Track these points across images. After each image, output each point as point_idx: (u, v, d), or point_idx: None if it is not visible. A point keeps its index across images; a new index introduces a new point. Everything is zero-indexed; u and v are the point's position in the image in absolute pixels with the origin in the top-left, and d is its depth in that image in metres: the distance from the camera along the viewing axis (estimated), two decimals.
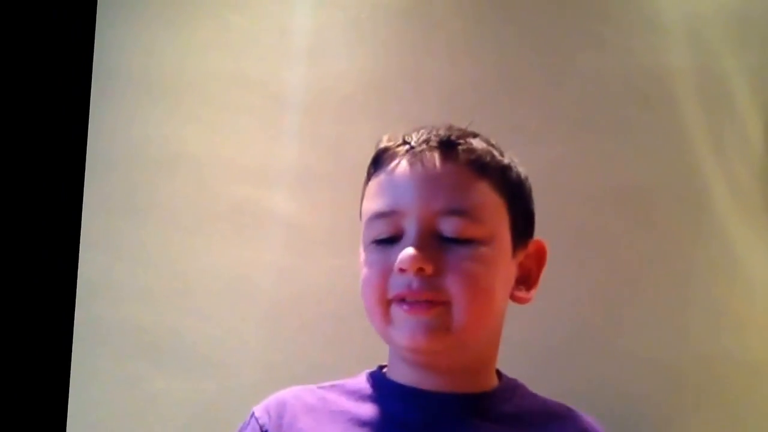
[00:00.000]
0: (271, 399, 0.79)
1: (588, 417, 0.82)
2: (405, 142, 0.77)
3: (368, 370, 0.82)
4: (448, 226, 0.72)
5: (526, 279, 0.80)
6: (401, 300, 0.72)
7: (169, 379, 1.12)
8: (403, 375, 0.78)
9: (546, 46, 1.14)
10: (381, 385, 0.79)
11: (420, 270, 0.71)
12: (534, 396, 0.82)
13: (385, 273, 0.73)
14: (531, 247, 0.80)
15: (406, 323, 0.72)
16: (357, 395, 0.78)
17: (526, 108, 1.13)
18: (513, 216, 0.77)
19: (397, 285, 0.72)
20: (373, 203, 0.76)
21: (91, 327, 1.13)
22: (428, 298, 0.71)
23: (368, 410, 0.75)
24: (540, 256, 0.81)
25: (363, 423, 0.74)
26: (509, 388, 0.81)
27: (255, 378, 1.11)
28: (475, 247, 0.73)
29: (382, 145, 0.80)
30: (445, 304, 0.71)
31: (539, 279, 0.81)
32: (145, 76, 1.15)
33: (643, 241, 1.13)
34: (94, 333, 1.13)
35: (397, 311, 0.72)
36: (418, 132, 0.78)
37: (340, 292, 1.12)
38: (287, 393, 0.80)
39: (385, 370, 0.82)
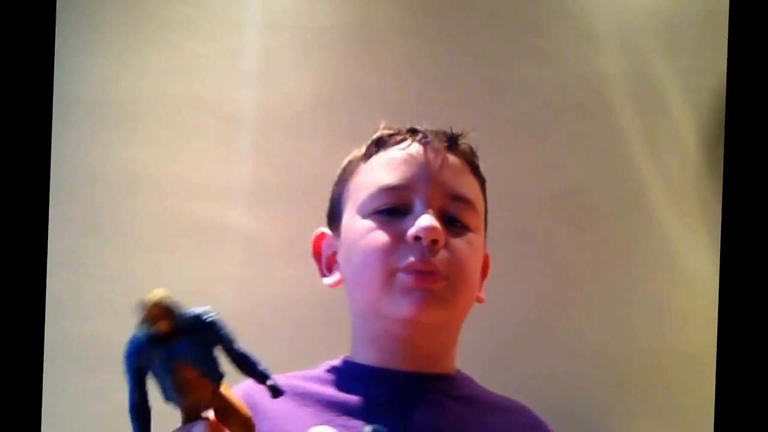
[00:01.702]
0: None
1: (538, 415, 0.85)
2: (414, 130, 0.82)
3: (327, 364, 0.82)
4: (454, 210, 0.77)
5: None
6: (408, 270, 0.73)
7: None
8: (369, 357, 0.79)
9: (485, 59, 1.20)
10: (346, 369, 0.80)
11: (434, 241, 0.73)
12: (486, 390, 0.84)
13: (393, 242, 0.74)
14: (483, 258, 0.85)
15: (411, 293, 0.73)
16: (321, 380, 0.79)
17: (468, 118, 1.16)
18: (486, 224, 0.84)
19: (409, 253, 0.73)
20: (381, 176, 0.78)
21: (61, 343, 1.18)
22: (437, 269, 0.73)
23: (335, 392, 0.76)
24: (486, 267, 0.86)
25: (332, 404, 0.74)
26: (466, 376, 0.84)
27: None
28: (470, 235, 0.78)
29: (385, 130, 0.83)
30: (446, 280, 0.74)
31: (482, 287, 0.86)
32: (104, 102, 1.20)
33: (585, 242, 1.19)
34: (64, 349, 1.18)
35: (404, 280, 0.73)
36: (419, 127, 0.83)
37: (298, 301, 1.17)
38: (244, 386, 0.75)
39: (345, 358, 0.82)
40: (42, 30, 1.18)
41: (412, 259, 0.73)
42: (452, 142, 0.81)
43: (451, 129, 0.82)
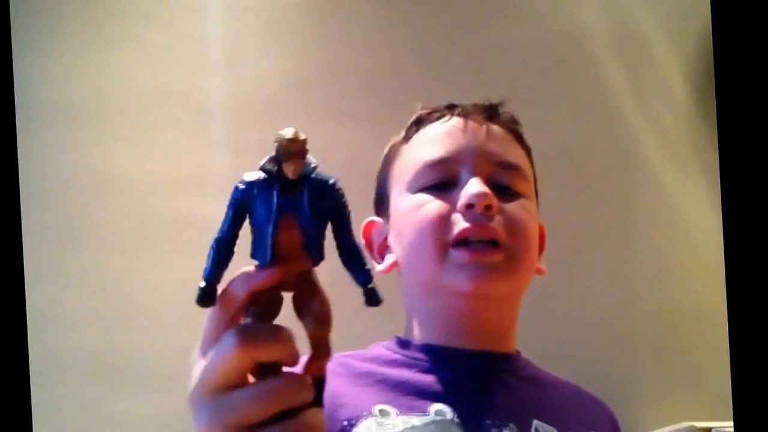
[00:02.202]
0: None
1: (599, 398, 0.82)
2: (452, 106, 0.79)
3: (382, 342, 0.79)
4: (504, 177, 0.74)
5: None
6: (462, 243, 0.71)
7: (129, 399, 1.13)
8: (430, 336, 0.76)
9: (459, 23, 1.15)
10: (405, 349, 0.76)
11: (488, 207, 0.70)
12: (545, 370, 0.81)
13: (445, 215, 0.72)
14: (539, 228, 0.81)
15: (468, 268, 0.70)
16: (379, 360, 0.75)
17: (447, 85, 1.14)
18: (536, 191, 0.81)
19: (462, 223, 0.71)
20: (424, 152, 0.77)
21: (47, 357, 1.13)
22: (493, 236, 0.71)
23: (397, 372, 0.72)
24: (543, 238, 0.82)
25: (395, 384, 0.71)
26: (526, 359, 0.80)
27: None
28: (523, 200, 0.75)
29: (423, 110, 0.81)
30: (505, 250, 0.71)
31: (541, 258, 0.82)
32: (68, 103, 1.15)
33: (581, 204, 1.14)
34: (50, 363, 1.13)
35: (458, 256, 0.71)
36: (457, 103, 0.80)
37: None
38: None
39: (399, 337, 0.79)
40: None
41: (464, 226, 0.70)
42: (493, 112, 0.79)
43: (490, 100, 0.79)
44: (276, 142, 0.40)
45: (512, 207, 0.73)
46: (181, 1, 1.16)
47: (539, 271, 0.80)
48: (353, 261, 0.43)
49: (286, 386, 0.41)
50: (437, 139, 0.77)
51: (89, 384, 1.14)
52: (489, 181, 0.73)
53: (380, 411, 0.67)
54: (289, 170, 0.40)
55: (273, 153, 0.41)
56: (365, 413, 0.66)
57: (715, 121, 1.12)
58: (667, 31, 1.15)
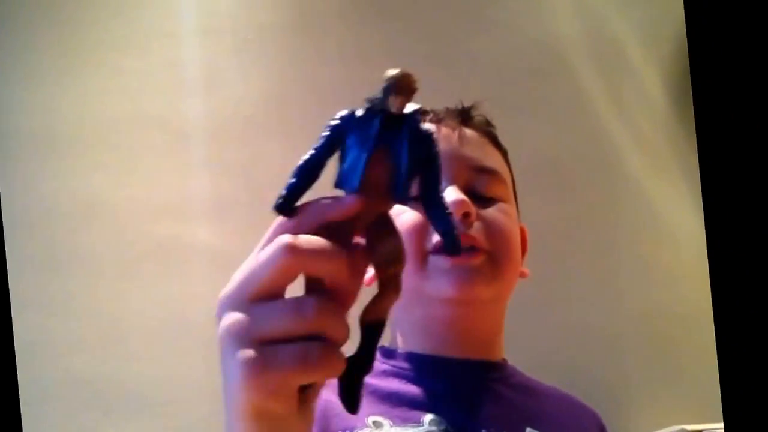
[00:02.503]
0: None
1: (585, 403, 0.82)
2: (424, 112, 0.77)
3: None
4: (481, 183, 0.74)
5: None
6: (441, 250, 0.70)
7: (119, 425, 1.13)
8: (419, 344, 0.75)
9: (434, 37, 1.16)
10: (392, 357, 0.75)
11: (466, 215, 0.70)
12: (532, 377, 0.81)
13: (421, 224, 0.71)
14: (520, 230, 0.81)
15: (451, 272, 0.69)
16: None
17: (425, 98, 1.13)
18: (515, 193, 0.80)
19: None
20: None
21: (36, 386, 1.14)
22: (473, 244, 0.70)
23: (386, 383, 0.71)
24: (525, 240, 0.81)
25: (385, 396, 0.69)
26: (513, 366, 0.80)
27: (204, 411, 1.11)
28: (502, 205, 0.74)
29: None
30: (487, 254, 0.71)
31: (524, 261, 0.82)
32: (47, 131, 1.16)
33: (563, 211, 1.15)
34: (40, 392, 1.14)
35: (439, 262, 0.70)
36: (429, 108, 0.79)
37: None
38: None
39: (384, 346, 0.78)
40: None
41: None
42: (466, 115, 0.78)
43: (462, 103, 0.79)
44: (386, 77, 0.39)
45: (491, 212, 0.73)
46: (156, 26, 1.16)
47: (522, 275, 0.79)
48: (437, 211, 0.42)
49: (322, 311, 0.38)
50: None
51: (80, 412, 1.14)
52: (466, 187, 0.72)
53: (374, 422, 0.66)
54: (395, 103, 0.39)
55: (385, 85, 0.39)
56: (359, 425, 0.64)
57: (694, 124, 1.13)
58: (642, 36, 1.16)
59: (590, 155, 1.16)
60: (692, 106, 1.13)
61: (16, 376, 1.15)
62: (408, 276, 0.65)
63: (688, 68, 1.13)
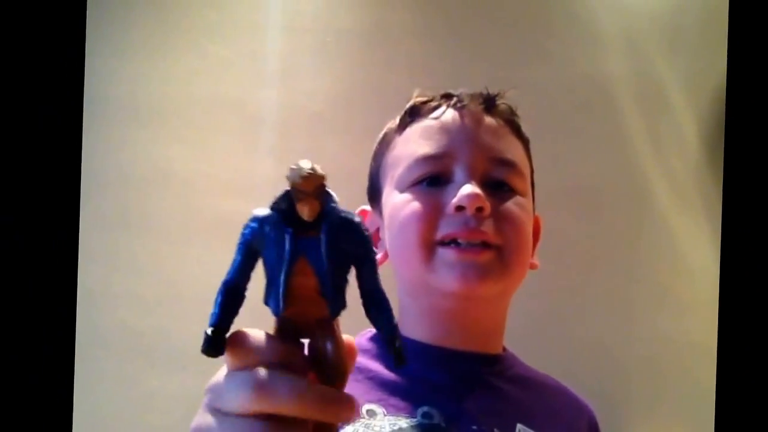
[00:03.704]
0: None
1: (577, 395, 0.84)
2: (448, 95, 0.78)
3: (369, 331, 0.75)
4: (498, 173, 0.72)
5: None
6: (451, 242, 0.69)
7: (163, 377, 1.22)
8: (419, 334, 0.74)
9: (495, 60, 1.25)
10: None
11: (479, 210, 0.68)
12: (528, 366, 0.81)
13: (433, 213, 0.70)
14: (534, 220, 0.80)
15: (456, 266, 0.68)
16: (369, 353, 0.71)
17: None
18: (533, 185, 0.80)
19: (451, 224, 0.69)
20: (417, 147, 0.74)
21: (92, 332, 1.23)
22: (484, 239, 0.69)
23: (386, 370, 0.69)
24: (538, 231, 0.81)
25: (384, 383, 0.68)
26: (512, 355, 0.81)
27: None
28: (518, 198, 0.73)
29: (418, 98, 0.79)
30: (497, 249, 0.70)
31: (536, 251, 0.81)
32: (133, 103, 1.25)
33: (591, 237, 1.24)
34: (95, 338, 1.23)
35: (446, 254, 0.69)
36: (454, 91, 0.78)
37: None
38: None
39: None
40: (73, 32, 1.23)
41: (453, 229, 0.69)
42: (490, 103, 0.77)
43: (488, 89, 0.78)
44: (289, 178, 0.35)
45: (506, 205, 0.72)
46: (244, 18, 1.26)
47: (532, 266, 0.78)
48: (377, 310, 0.38)
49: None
50: (430, 134, 0.74)
51: (128, 360, 1.24)
52: (483, 177, 0.71)
53: (368, 411, 0.65)
54: (304, 212, 0.35)
55: (290, 186, 0.35)
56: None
57: (722, 171, 1.23)
58: (685, 84, 1.25)
59: (622, 186, 1.25)
60: (723, 154, 1.23)
61: (75, 320, 1.25)
62: (414, 266, 0.71)
63: (724, 118, 1.24)
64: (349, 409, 0.36)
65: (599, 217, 1.25)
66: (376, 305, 0.38)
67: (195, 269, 1.24)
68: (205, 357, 0.38)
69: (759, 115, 1.21)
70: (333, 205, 0.36)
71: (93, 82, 1.25)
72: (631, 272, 1.24)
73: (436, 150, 0.73)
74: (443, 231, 0.69)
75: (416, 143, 0.75)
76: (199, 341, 0.38)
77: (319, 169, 0.35)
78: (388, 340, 0.38)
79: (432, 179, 0.72)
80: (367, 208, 0.82)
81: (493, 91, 0.78)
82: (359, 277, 0.38)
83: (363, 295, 0.38)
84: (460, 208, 0.69)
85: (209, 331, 0.37)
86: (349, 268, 0.37)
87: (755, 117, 1.21)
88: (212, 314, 0.38)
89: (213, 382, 0.40)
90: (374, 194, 0.81)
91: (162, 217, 1.24)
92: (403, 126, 0.79)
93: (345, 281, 0.37)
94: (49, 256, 1.23)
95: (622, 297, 1.23)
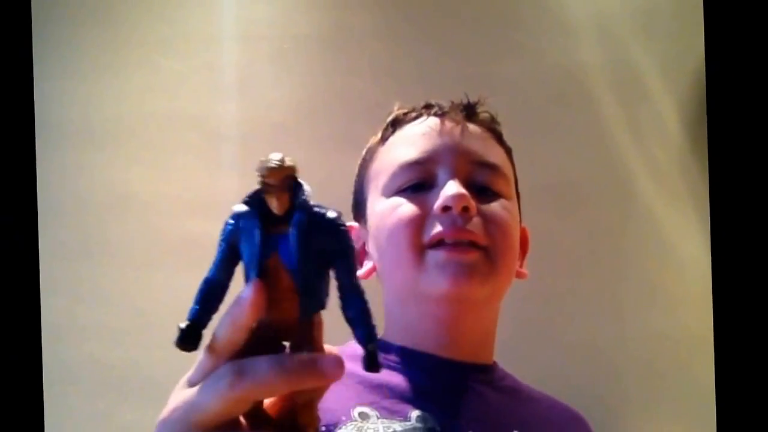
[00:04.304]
0: None
1: (578, 412, 0.83)
2: (429, 105, 0.79)
3: None
4: (482, 177, 0.73)
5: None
6: (439, 243, 0.69)
7: (137, 411, 1.17)
8: (411, 340, 0.74)
9: (463, 58, 1.20)
10: (386, 350, 0.73)
11: (465, 209, 0.69)
12: (524, 383, 0.82)
13: (420, 216, 0.70)
14: (521, 230, 0.81)
15: (446, 267, 0.68)
16: (358, 359, 0.73)
17: None
18: (517, 193, 0.80)
19: (438, 225, 0.69)
20: (400, 153, 0.75)
21: (59, 368, 1.18)
22: (471, 239, 0.69)
23: (378, 374, 0.65)
24: (525, 241, 0.82)
25: (376, 386, 0.68)
26: (501, 368, 0.80)
27: None
28: (504, 201, 0.74)
29: (400, 110, 0.80)
30: (485, 250, 0.70)
31: (524, 262, 0.83)
32: (86, 125, 1.20)
33: (575, 231, 1.19)
34: (63, 374, 1.18)
35: (436, 255, 0.69)
36: (434, 101, 0.80)
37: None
38: None
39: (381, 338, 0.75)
40: (19, 56, 1.18)
41: (440, 229, 0.69)
42: (470, 111, 0.78)
43: (468, 97, 0.79)
44: (257, 170, 0.34)
45: (491, 207, 0.72)
46: (197, 29, 1.21)
47: (520, 275, 0.79)
48: (354, 312, 0.36)
49: None
50: (413, 140, 0.75)
51: (100, 395, 1.18)
52: (467, 181, 0.72)
53: (360, 414, 0.65)
54: (273, 204, 0.34)
55: (259, 180, 0.35)
56: (344, 418, 0.63)
57: (707, 157, 1.18)
58: (662, 68, 1.20)
59: (604, 180, 1.20)
60: (706, 138, 1.18)
61: (41, 357, 1.20)
62: (404, 271, 0.71)
63: (705, 102, 1.18)
64: (334, 364, 0.36)
65: (581, 213, 1.19)
66: (352, 304, 0.36)
67: (162, 294, 1.19)
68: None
69: (741, 97, 1.15)
70: (304, 198, 0.35)
71: (43, 106, 1.20)
72: (618, 269, 1.18)
73: (419, 156, 0.73)
74: (431, 232, 0.69)
75: (399, 151, 0.76)
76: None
77: (289, 161, 0.34)
78: (364, 341, 0.36)
79: (416, 185, 0.73)
80: (353, 223, 0.82)
81: (473, 99, 0.79)
82: (336, 276, 0.36)
83: (340, 294, 0.36)
84: (446, 209, 0.69)
85: (183, 324, 0.36)
86: (327, 264, 0.36)
87: (737, 99, 1.16)
88: (191, 309, 0.37)
89: (174, 407, 0.38)
90: (359, 208, 0.82)
91: (124, 242, 1.19)
92: (385, 138, 0.80)
93: (321, 279, 0.35)
94: (10, 291, 1.18)
95: (611, 296, 1.18)
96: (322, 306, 0.36)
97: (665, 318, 1.17)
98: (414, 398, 0.68)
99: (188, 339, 0.36)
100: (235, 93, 1.20)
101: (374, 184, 0.77)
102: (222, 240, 0.37)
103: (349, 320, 0.37)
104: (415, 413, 0.66)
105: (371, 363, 0.37)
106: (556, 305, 1.17)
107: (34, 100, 1.19)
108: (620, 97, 1.20)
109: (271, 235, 0.35)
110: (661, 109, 1.20)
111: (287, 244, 0.35)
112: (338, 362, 0.36)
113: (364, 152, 0.83)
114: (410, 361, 0.72)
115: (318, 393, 0.39)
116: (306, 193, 0.35)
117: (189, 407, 0.37)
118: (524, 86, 1.21)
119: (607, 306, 1.17)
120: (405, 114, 0.80)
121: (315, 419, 0.39)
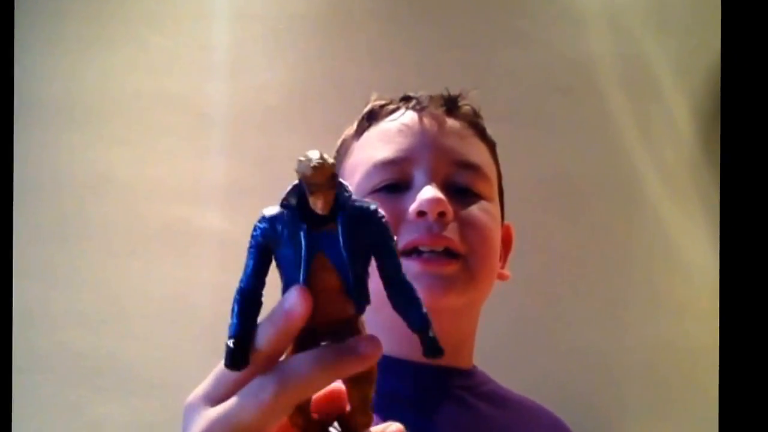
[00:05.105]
0: None
1: (558, 417, 0.80)
2: (407, 98, 0.75)
3: None
4: (462, 178, 0.70)
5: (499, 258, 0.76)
6: (413, 252, 0.66)
7: (110, 403, 1.12)
8: (387, 346, 0.71)
9: (465, 45, 1.15)
10: None
11: (441, 214, 0.65)
12: (504, 387, 0.78)
13: (393, 221, 0.66)
14: (503, 228, 0.77)
15: (420, 279, 0.65)
16: None
17: None
18: (500, 190, 0.76)
19: (413, 231, 0.66)
20: (377, 151, 0.71)
21: (30, 356, 1.13)
22: (447, 245, 0.66)
23: None
24: (509, 240, 0.79)
25: None
26: (483, 373, 0.77)
27: None
28: (483, 203, 0.71)
29: (377, 102, 0.76)
30: (462, 259, 0.67)
31: (506, 262, 0.78)
32: (68, 102, 1.15)
33: (578, 232, 1.14)
34: (33, 362, 1.13)
35: (410, 266, 0.65)
36: (413, 93, 0.75)
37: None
38: None
39: None
40: None
41: (415, 236, 0.65)
42: (451, 105, 0.74)
43: (448, 91, 0.74)
44: (298, 171, 0.32)
45: (470, 211, 0.69)
46: (188, 5, 1.16)
47: (502, 277, 0.75)
48: (404, 301, 0.37)
49: None
50: (388, 138, 0.71)
51: (71, 385, 1.13)
52: (445, 182, 0.69)
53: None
54: (318, 205, 0.33)
55: (295, 181, 0.34)
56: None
57: (719, 160, 1.12)
58: (676, 64, 1.14)
59: (611, 178, 1.15)
60: (719, 140, 1.12)
61: (11, 343, 1.14)
62: (377, 280, 0.65)
63: (719, 101, 1.12)
64: (371, 343, 0.36)
65: (585, 213, 1.14)
66: (403, 295, 0.37)
67: (141, 283, 1.14)
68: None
69: (757, 98, 1.10)
70: (347, 194, 0.35)
71: (23, 81, 1.15)
72: (623, 273, 1.13)
73: (394, 154, 0.70)
74: (405, 239, 0.66)
75: (373, 148, 0.72)
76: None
77: (329, 158, 0.32)
78: (421, 329, 0.37)
79: (391, 186, 0.69)
80: None
81: (454, 92, 0.74)
82: (381, 268, 0.36)
83: (387, 286, 0.36)
84: (421, 214, 0.66)
85: (230, 343, 0.34)
86: (369, 259, 0.36)
87: (753, 99, 1.10)
88: (231, 325, 0.35)
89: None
90: None
91: (103, 226, 1.14)
92: (360, 131, 0.76)
93: (367, 274, 0.36)
94: None
95: (615, 301, 1.13)
96: (369, 301, 0.37)
97: (670, 325, 1.12)
98: (390, 407, 0.62)
99: (238, 357, 0.34)
100: (225, 73, 1.15)
101: (348, 182, 0.72)
102: (253, 246, 0.35)
103: (402, 312, 0.37)
104: (392, 427, 0.64)
105: (434, 349, 0.38)
106: (558, 310, 1.12)
107: (13, 73, 1.13)
108: (629, 93, 1.15)
109: (314, 234, 0.34)
110: (672, 107, 1.15)
111: (332, 242, 0.34)
112: (374, 342, 0.36)
113: (338, 144, 0.78)
114: (386, 367, 0.69)
115: (368, 388, 0.39)
116: (348, 189, 0.35)
117: (227, 424, 0.35)
118: (528, 77, 1.16)
119: (609, 311, 1.12)
120: (382, 106, 0.75)
121: (370, 417, 0.39)
